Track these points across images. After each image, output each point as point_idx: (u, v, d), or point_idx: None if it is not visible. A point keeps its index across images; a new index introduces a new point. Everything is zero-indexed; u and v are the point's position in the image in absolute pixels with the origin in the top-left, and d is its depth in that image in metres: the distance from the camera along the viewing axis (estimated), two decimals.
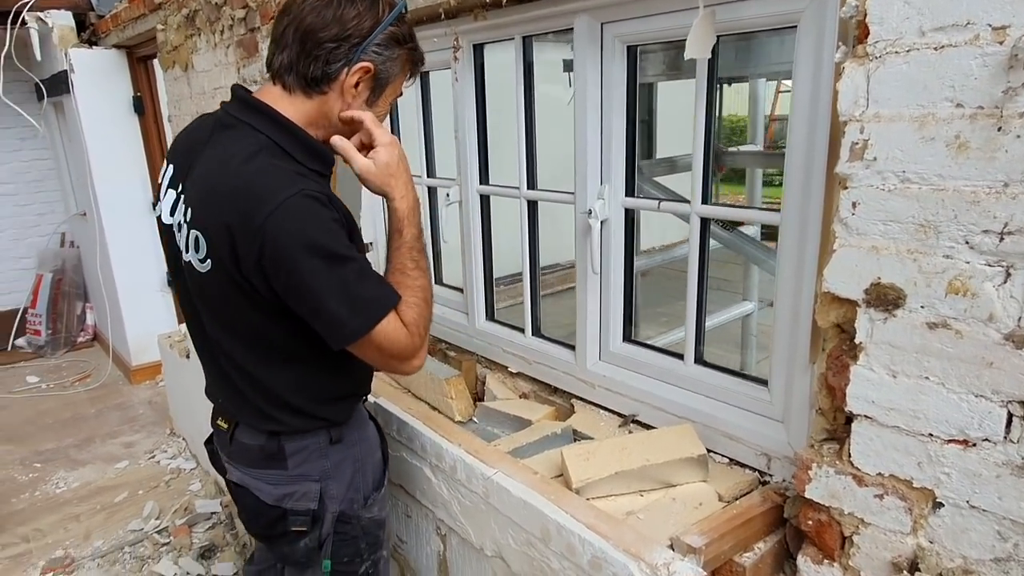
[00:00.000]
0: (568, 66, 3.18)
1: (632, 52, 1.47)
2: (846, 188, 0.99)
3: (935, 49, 0.88)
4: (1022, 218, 0.84)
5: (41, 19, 4.20)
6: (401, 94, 1.32)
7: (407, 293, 1.19)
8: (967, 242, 0.89)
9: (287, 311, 1.16)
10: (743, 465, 1.38)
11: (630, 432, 1.53)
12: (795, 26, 1.16)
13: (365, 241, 2.38)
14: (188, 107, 3.33)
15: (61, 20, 4.21)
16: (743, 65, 2.28)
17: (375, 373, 1.44)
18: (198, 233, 1.15)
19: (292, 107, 1.20)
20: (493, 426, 1.74)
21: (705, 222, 1.42)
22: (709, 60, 1.32)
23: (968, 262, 0.89)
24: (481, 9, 1.67)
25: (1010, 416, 0.89)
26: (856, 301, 1.01)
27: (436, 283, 2.24)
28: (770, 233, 3.34)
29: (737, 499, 1.27)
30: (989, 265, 0.88)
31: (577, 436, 1.60)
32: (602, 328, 1.64)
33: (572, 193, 1.60)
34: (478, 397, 1.96)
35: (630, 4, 1.39)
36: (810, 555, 1.15)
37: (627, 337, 1.64)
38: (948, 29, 0.86)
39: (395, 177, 1.22)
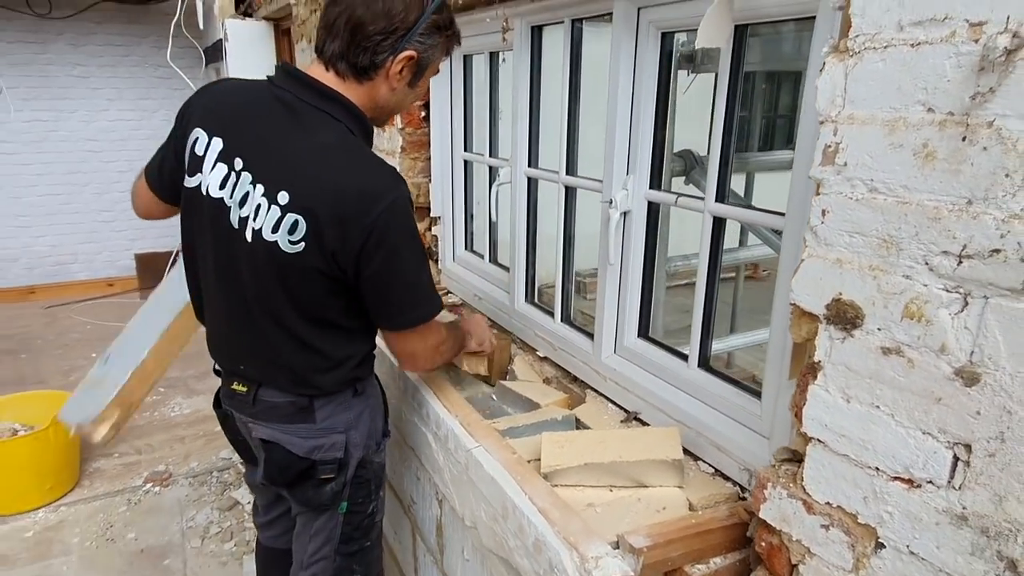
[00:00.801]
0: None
1: (666, 39, 1.42)
2: (818, 194, 0.93)
3: (912, 46, 0.79)
4: (981, 241, 0.74)
5: None
6: (439, 71, 1.41)
7: (448, 339, 1.56)
8: (927, 263, 0.80)
9: (353, 291, 1.31)
10: (726, 477, 1.32)
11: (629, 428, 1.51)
12: (814, 17, 1.08)
13: (433, 215, 2.48)
14: None
15: None
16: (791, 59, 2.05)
17: None
18: (298, 217, 1.23)
19: (351, 93, 1.31)
20: (507, 405, 1.77)
21: (720, 222, 1.36)
22: (733, 52, 1.26)
23: (926, 285, 0.81)
24: None
25: (956, 459, 0.80)
26: (818, 316, 0.94)
27: (491, 262, 2.30)
28: None
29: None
30: (946, 290, 0.79)
31: (580, 425, 1.60)
32: (619, 322, 1.62)
33: (601, 181, 1.58)
34: (506, 377, 2.00)
35: None
36: None
37: (642, 333, 1.60)
38: (926, 24, 0.78)
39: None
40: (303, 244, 1.24)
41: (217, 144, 1.32)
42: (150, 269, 5.92)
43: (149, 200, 1.53)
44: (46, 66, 5.41)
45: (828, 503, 0.96)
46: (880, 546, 0.90)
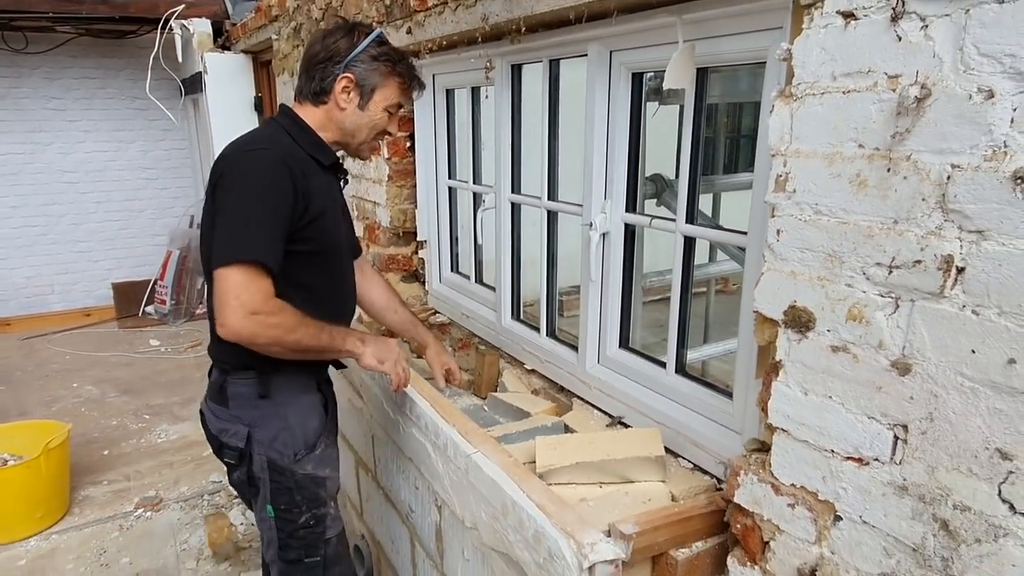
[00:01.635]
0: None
1: (637, 78, 1.58)
2: (773, 216, 1.08)
3: (843, 93, 0.95)
4: (906, 254, 0.90)
5: (185, 26, 4.79)
6: (403, 105, 1.63)
7: (303, 324, 1.46)
8: (864, 273, 0.96)
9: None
10: (704, 471, 1.46)
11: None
12: (764, 62, 1.24)
13: (420, 238, 2.60)
14: None
15: (201, 27, 4.78)
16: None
17: None
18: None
19: (307, 114, 1.60)
20: (499, 415, 1.89)
21: (690, 241, 1.51)
22: (697, 90, 1.42)
23: (864, 291, 0.96)
24: (516, 33, 1.83)
25: (896, 438, 0.95)
26: (777, 321, 1.09)
27: (477, 282, 2.43)
28: None
29: None
30: (881, 295, 0.94)
31: (569, 430, 1.72)
32: (601, 334, 1.76)
33: (580, 205, 1.73)
34: (496, 389, 2.12)
35: (634, 35, 1.51)
36: (737, 556, 1.23)
37: (623, 344, 1.74)
38: (854, 75, 0.94)
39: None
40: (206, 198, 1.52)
41: None
42: (127, 298, 5.93)
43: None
44: (21, 99, 5.43)
45: (793, 484, 1.10)
46: (838, 519, 1.04)
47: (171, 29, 4.75)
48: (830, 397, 1.02)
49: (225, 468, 1.73)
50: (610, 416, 1.72)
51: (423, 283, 2.67)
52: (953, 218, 0.85)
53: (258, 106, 4.84)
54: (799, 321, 1.05)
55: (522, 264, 2.13)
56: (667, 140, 2.00)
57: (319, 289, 1.61)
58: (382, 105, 1.58)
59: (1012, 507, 0.83)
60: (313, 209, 1.51)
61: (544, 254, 1.95)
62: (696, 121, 1.43)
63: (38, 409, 4.19)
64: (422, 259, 2.64)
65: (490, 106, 2.09)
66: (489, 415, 1.91)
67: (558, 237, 1.96)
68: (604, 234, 1.67)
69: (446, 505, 1.70)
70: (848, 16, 0.94)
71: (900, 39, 0.88)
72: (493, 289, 2.25)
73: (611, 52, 1.58)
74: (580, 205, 1.73)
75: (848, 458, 1.01)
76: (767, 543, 1.16)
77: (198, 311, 5.92)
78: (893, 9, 0.88)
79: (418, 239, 2.60)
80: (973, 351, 0.85)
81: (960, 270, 0.85)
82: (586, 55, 1.63)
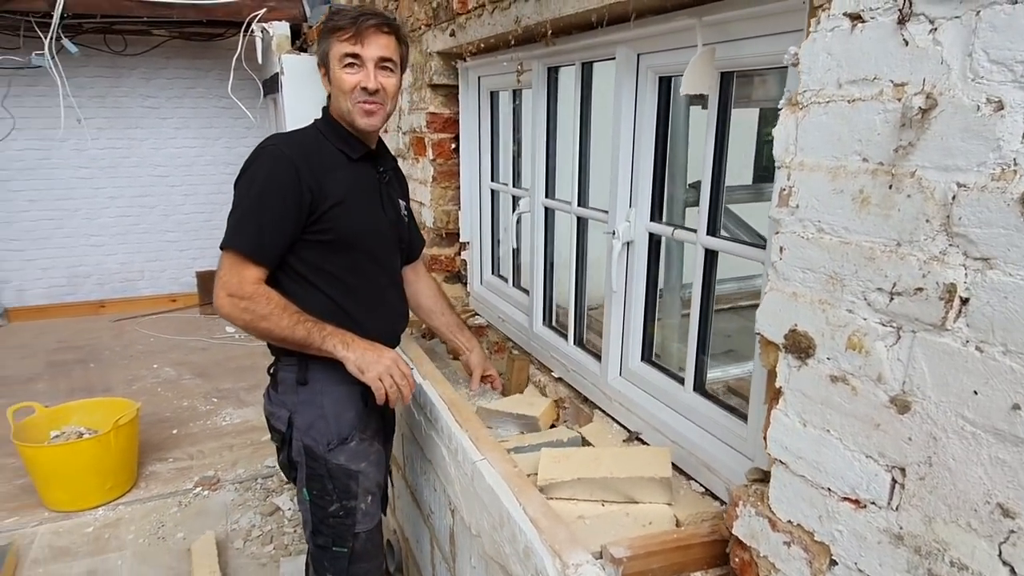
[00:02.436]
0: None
1: (664, 82, 1.52)
2: (777, 232, 1.00)
3: (849, 102, 0.88)
4: (908, 280, 0.81)
5: (265, 29, 5.00)
6: (357, 55, 1.57)
7: (284, 311, 1.53)
8: (865, 298, 0.87)
9: None
10: (715, 497, 1.38)
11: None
12: (787, 66, 1.16)
13: (462, 240, 2.61)
14: None
15: (280, 30, 4.97)
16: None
17: None
18: None
19: (332, 107, 1.68)
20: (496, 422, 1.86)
21: (712, 254, 1.43)
22: (720, 96, 1.34)
23: (865, 319, 0.88)
24: (544, 36, 1.80)
25: (893, 482, 0.87)
26: (778, 345, 1.02)
27: (515, 286, 2.41)
28: None
29: None
30: (882, 324, 0.86)
31: (585, 443, 1.68)
32: (624, 346, 1.70)
33: (606, 212, 1.68)
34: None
35: (658, 38, 1.45)
36: None
37: (646, 357, 1.68)
38: (860, 83, 0.86)
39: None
40: None
41: None
42: (209, 286, 6.23)
43: None
44: (120, 98, 5.83)
45: (790, 521, 1.03)
46: (833, 563, 0.96)
47: (253, 32, 4.97)
48: (828, 431, 0.95)
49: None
50: (628, 431, 1.66)
51: (465, 284, 2.67)
52: (958, 243, 0.76)
53: None
54: (799, 347, 0.98)
55: (555, 270, 2.09)
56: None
57: (346, 278, 1.65)
58: (337, 67, 1.57)
59: (1013, 571, 0.74)
60: (328, 200, 1.57)
61: (573, 260, 1.91)
62: (720, 128, 1.35)
63: (120, 387, 4.49)
64: (464, 260, 2.65)
65: (529, 108, 2.07)
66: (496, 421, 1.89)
67: (588, 243, 1.91)
68: (628, 243, 1.61)
69: (458, 510, 1.69)
70: (855, 18, 0.86)
71: (907, 43, 0.80)
72: (528, 293, 2.23)
73: (638, 55, 1.52)
74: (607, 212, 1.68)
75: (845, 499, 0.93)
76: None
77: None
78: (900, 11, 0.80)
79: (461, 240, 2.61)
80: (975, 392, 0.76)
81: (964, 301, 0.76)
82: (614, 58, 1.58)
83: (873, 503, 0.89)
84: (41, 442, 3.12)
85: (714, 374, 2.07)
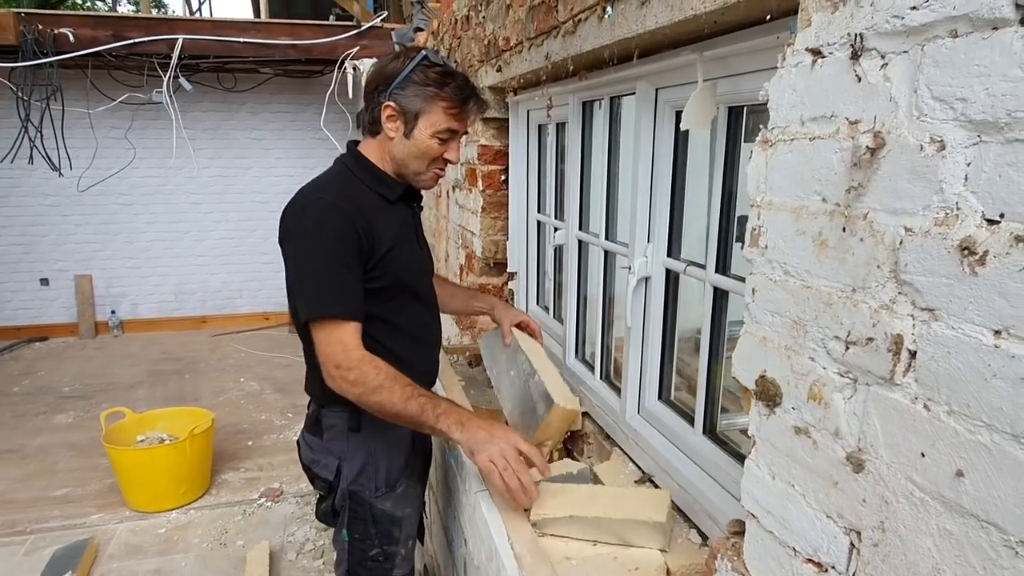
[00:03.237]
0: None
1: (680, 116, 1.49)
2: (751, 274, 0.96)
3: (810, 140, 0.84)
4: (860, 329, 0.76)
5: (356, 66, 5.31)
6: (455, 130, 1.54)
7: (395, 382, 1.42)
8: (824, 346, 0.82)
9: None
10: None
11: None
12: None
13: (510, 270, 2.64)
14: None
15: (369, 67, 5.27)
16: None
17: None
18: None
19: (367, 148, 1.60)
20: None
21: (722, 293, 1.38)
22: (730, 126, 1.31)
23: (824, 368, 0.82)
24: (586, 71, 1.82)
25: (852, 545, 0.80)
26: (751, 391, 0.97)
27: (555, 317, 2.40)
28: None
29: None
30: (839, 375, 0.80)
31: (596, 480, 1.64)
32: (641, 384, 1.66)
33: (627, 244, 1.66)
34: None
35: (670, 72, 1.43)
36: None
37: (662, 396, 1.63)
38: (819, 120, 0.82)
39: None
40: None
41: None
42: None
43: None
44: (230, 131, 6.35)
45: None
46: None
47: (345, 69, 5.29)
48: (793, 485, 0.89)
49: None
50: (642, 471, 1.61)
51: None
52: (906, 291, 0.71)
53: None
54: (767, 394, 0.93)
55: (587, 302, 2.08)
56: None
57: (392, 319, 1.58)
58: (428, 132, 1.49)
59: None
60: (381, 247, 1.50)
61: (600, 294, 1.89)
62: (728, 163, 1.32)
63: (208, 397, 4.81)
64: (512, 290, 2.67)
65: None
66: None
67: (615, 277, 1.88)
68: (645, 279, 1.58)
69: (468, 540, 1.69)
70: (816, 53, 0.82)
71: (859, 79, 0.76)
72: (563, 324, 2.22)
73: (656, 90, 1.51)
74: (627, 245, 1.66)
75: (808, 560, 0.87)
76: None
77: None
78: (852, 46, 0.76)
79: (508, 270, 2.64)
80: (923, 454, 0.69)
81: (912, 354, 0.70)
82: (634, 93, 1.57)
83: (833, 567, 0.83)
84: (128, 445, 3.40)
85: (738, 419, 1.97)
